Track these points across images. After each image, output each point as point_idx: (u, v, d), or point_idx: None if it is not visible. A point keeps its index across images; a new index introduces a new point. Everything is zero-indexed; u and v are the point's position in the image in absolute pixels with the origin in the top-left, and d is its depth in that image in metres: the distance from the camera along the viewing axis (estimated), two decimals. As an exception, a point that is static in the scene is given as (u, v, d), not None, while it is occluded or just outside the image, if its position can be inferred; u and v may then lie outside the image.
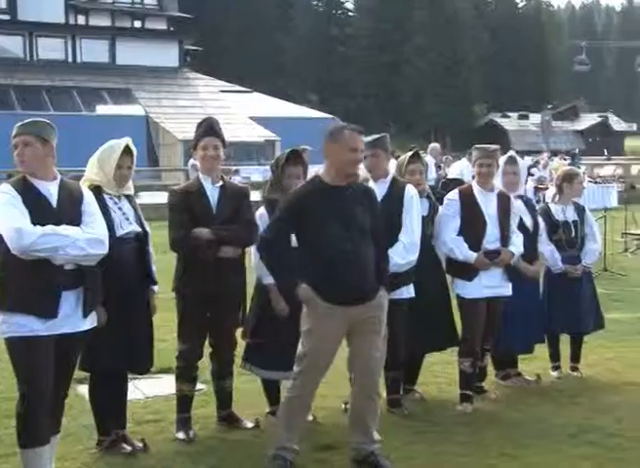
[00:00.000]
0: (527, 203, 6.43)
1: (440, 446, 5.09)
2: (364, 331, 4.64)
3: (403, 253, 5.36)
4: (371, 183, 5.47)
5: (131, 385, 5.29)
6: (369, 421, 4.72)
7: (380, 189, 5.40)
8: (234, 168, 20.09)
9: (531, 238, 6.20)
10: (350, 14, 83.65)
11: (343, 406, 5.59)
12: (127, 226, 4.79)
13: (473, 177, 6.12)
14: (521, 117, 67.05)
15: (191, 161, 21.41)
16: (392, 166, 6.16)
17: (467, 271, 5.71)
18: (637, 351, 7.44)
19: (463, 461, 4.84)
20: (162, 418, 5.54)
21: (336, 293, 4.53)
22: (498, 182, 5.98)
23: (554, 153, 32.97)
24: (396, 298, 5.35)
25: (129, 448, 4.91)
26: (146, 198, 18.31)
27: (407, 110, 69.21)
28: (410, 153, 5.99)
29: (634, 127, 74.41)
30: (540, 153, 30.76)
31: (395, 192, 5.50)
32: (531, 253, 6.16)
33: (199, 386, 5.63)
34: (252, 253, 5.39)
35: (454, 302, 5.96)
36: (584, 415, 5.66)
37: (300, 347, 4.68)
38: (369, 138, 5.48)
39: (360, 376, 4.73)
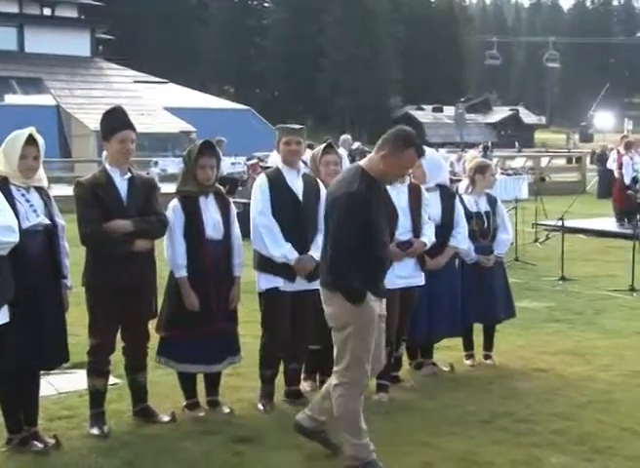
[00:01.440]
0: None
1: (356, 435, 5.12)
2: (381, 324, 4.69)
3: None
4: (288, 171, 5.49)
5: (43, 381, 5.18)
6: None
7: (297, 179, 5.49)
8: (154, 160, 19.82)
9: (442, 229, 6.27)
10: (266, 4, 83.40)
11: None
12: (33, 219, 4.66)
13: None
14: (435, 110, 68.13)
15: (105, 152, 21.01)
16: (307, 157, 6.21)
17: None
18: (546, 339, 7.65)
19: (379, 449, 4.87)
20: (75, 414, 5.44)
21: (382, 290, 4.64)
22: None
23: (470, 145, 33.58)
24: (303, 289, 5.44)
25: (40, 446, 4.80)
26: (58, 190, 17.86)
27: (323, 102, 69.49)
28: (324, 144, 6.01)
29: (543, 120, 76.45)
30: (453, 145, 31.26)
31: (314, 185, 5.57)
32: (442, 243, 6.25)
33: (113, 380, 5.56)
34: (164, 246, 5.33)
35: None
36: (496, 402, 5.79)
37: (346, 353, 4.47)
38: (292, 126, 5.63)
39: (376, 365, 4.71)
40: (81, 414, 5.37)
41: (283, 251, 5.35)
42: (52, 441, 4.87)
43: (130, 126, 5.17)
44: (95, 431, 5.09)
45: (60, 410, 5.52)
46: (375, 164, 4.52)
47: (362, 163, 4.62)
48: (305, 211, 5.45)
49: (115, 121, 5.16)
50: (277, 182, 5.45)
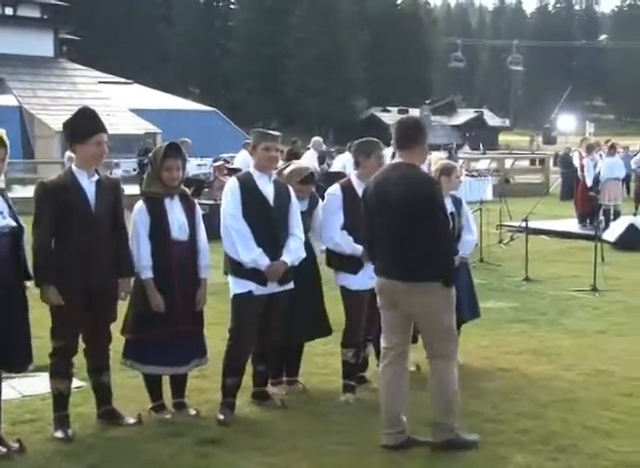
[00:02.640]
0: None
1: (322, 436, 5.13)
2: None
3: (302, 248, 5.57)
4: (260, 176, 5.48)
5: (5, 385, 5.11)
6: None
7: (268, 184, 5.49)
8: (114, 161, 19.68)
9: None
10: (232, 6, 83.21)
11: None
12: (1, 221, 4.62)
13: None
14: (401, 112, 68.17)
15: (68, 153, 20.79)
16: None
17: (353, 264, 5.77)
18: (510, 339, 7.72)
19: (345, 450, 4.91)
20: (39, 418, 5.39)
21: None
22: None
23: (436, 148, 33.75)
24: (274, 292, 5.43)
25: (4, 450, 4.73)
26: (21, 192, 17.73)
27: (289, 104, 69.54)
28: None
29: (507, 122, 77.12)
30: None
31: (285, 190, 5.58)
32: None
33: (77, 383, 5.51)
34: (133, 248, 5.29)
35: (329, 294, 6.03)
36: (463, 402, 5.79)
37: (449, 332, 4.94)
38: (272, 132, 5.65)
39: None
40: (45, 418, 5.32)
41: (253, 255, 5.31)
42: (15, 445, 4.81)
43: (105, 128, 5.16)
44: (59, 434, 5.04)
45: (24, 414, 5.46)
46: (417, 158, 5.02)
47: (402, 160, 4.97)
48: (276, 215, 5.43)
49: (91, 123, 5.11)
50: (248, 186, 5.41)
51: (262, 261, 5.32)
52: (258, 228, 5.33)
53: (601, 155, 17.43)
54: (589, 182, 16.59)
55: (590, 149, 17.21)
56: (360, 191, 5.82)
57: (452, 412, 4.91)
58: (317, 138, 18.44)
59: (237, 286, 5.43)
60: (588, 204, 16.61)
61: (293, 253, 5.46)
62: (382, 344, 5.07)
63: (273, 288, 5.44)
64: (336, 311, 6.06)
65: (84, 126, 5.09)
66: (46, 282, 4.91)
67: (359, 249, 5.71)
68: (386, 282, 4.93)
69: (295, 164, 6.18)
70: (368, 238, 5.16)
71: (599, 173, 16.48)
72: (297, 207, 5.61)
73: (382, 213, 4.90)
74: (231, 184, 5.48)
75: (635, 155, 22.47)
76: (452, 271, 4.95)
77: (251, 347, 5.52)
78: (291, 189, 5.62)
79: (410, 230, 4.78)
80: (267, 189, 5.46)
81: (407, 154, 4.95)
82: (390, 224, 4.86)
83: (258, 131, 5.69)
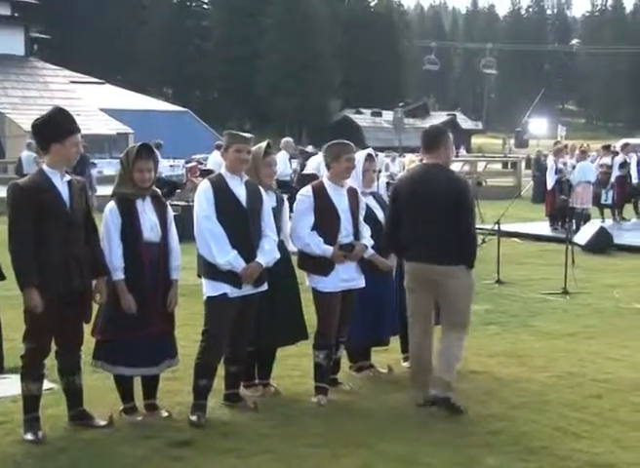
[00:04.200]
0: (378, 198, 6.57)
1: (295, 439, 5.13)
2: None
3: (276, 248, 5.58)
4: (232, 177, 5.46)
5: (-25, 387, 5.07)
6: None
7: (240, 186, 5.46)
8: (91, 160, 19.54)
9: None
10: (205, 6, 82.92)
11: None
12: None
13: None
14: (374, 114, 68.59)
15: (31, 153, 20.53)
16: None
17: (323, 266, 5.77)
18: (482, 341, 7.75)
19: (318, 452, 4.91)
20: (9, 420, 5.33)
21: None
22: (352, 179, 6.07)
23: (411, 150, 33.89)
24: (249, 293, 5.42)
25: (-27, 453, 4.70)
26: (-9, 191, 17.53)
27: (262, 105, 69.42)
28: (264, 144, 5.95)
29: (480, 125, 77.53)
30: (391, 149, 31.58)
31: (257, 191, 5.56)
32: (384, 246, 6.31)
33: (48, 385, 5.46)
34: (105, 249, 5.25)
35: (304, 295, 6.03)
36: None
37: (469, 309, 5.82)
38: (243, 134, 5.62)
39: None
40: (15, 420, 5.27)
41: (228, 258, 5.29)
42: (-16, 447, 4.77)
43: (79, 129, 5.14)
44: (29, 437, 5.00)
45: (-7, 416, 5.41)
46: (443, 159, 5.74)
47: (436, 160, 5.70)
48: (249, 216, 5.41)
49: (68, 123, 5.08)
50: (221, 188, 5.39)
51: (238, 263, 5.30)
52: (231, 230, 5.32)
53: (565, 161, 17.60)
54: (550, 185, 16.83)
55: (558, 153, 17.45)
56: (332, 194, 5.84)
57: (451, 373, 5.66)
58: (288, 139, 18.39)
59: (211, 288, 5.40)
60: (558, 206, 16.76)
61: (267, 254, 5.46)
62: (411, 319, 5.89)
63: (248, 290, 5.42)
64: (308, 312, 6.06)
65: (61, 126, 5.05)
66: (29, 285, 4.85)
67: (329, 250, 5.73)
68: (421, 266, 5.66)
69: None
70: (391, 230, 5.89)
71: (566, 174, 16.74)
72: (269, 208, 5.61)
73: (421, 205, 5.63)
74: (204, 186, 5.45)
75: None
76: (475, 257, 5.74)
77: (223, 349, 5.50)
78: (262, 190, 5.61)
79: (447, 220, 5.55)
80: (239, 191, 5.44)
81: (435, 156, 5.74)
82: (429, 215, 5.60)
83: (230, 132, 5.67)
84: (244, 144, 5.48)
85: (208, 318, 5.47)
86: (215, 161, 16.33)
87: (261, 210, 5.51)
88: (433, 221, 5.59)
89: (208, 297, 5.44)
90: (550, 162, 17.35)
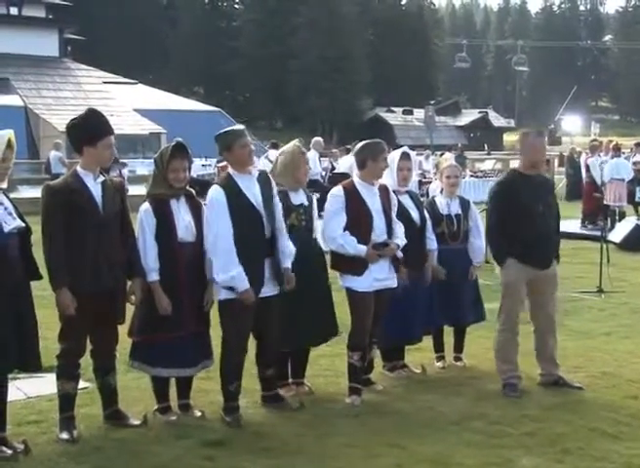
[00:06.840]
0: (414, 197, 6.52)
1: (327, 438, 5.13)
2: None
3: (290, 243, 5.54)
4: (241, 177, 5.39)
5: (11, 385, 5.10)
6: (554, 353, 6.25)
7: (251, 183, 5.40)
8: (121, 160, 19.72)
9: (419, 232, 6.31)
10: (236, 6, 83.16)
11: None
12: (12, 222, 4.65)
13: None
14: (405, 112, 68.38)
15: (57, 153, 20.78)
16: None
17: (357, 266, 5.71)
18: (517, 340, 7.68)
19: (350, 452, 4.90)
20: (45, 419, 5.38)
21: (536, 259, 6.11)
22: (385, 177, 6.03)
23: (442, 148, 33.79)
24: (269, 295, 5.37)
25: (9, 452, 4.73)
26: (26, 192, 17.76)
27: (293, 104, 69.49)
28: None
29: (512, 123, 77.00)
30: (423, 147, 31.51)
31: (268, 183, 5.49)
32: (418, 246, 6.27)
33: (83, 384, 5.50)
34: (140, 250, 5.26)
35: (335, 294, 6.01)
36: (467, 404, 5.82)
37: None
38: (238, 128, 5.58)
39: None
40: (50, 419, 5.31)
41: (232, 273, 5.15)
42: (21, 446, 4.81)
43: (113, 130, 5.16)
44: (64, 436, 5.04)
45: (29, 415, 5.46)
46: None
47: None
48: (265, 216, 5.30)
49: (103, 125, 5.11)
50: (233, 193, 5.26)
51: (240, 282, 5.18)
52: (246, 232, 5.21)
53: (600, 155, 17.45)
54: (599, 180, 16.39)
55: (594, 150, 17.33)
56: (364, 193, 5.79)
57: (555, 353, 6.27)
58: (318, 139, 18.37)
59: (224, 291, 5.30)
60: (595, 204, 16.58)
61: (289, 255, 5.43)
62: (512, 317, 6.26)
63: (268, 290, 5.38)
64: (341, 312, 6.05)
65: (95, 128, 5.07)
66: (61, 285, 4.89)
67: (363, 249, 5.68)
68: (543, 272, 6.11)
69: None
70: (510, 236, 6.09)
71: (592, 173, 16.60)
72: (278, 199, 5.50)
73: (542, 209, 6.02)
74: (215, 194, 5.29)
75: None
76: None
77: (245, 350, 5.44)
78: (272, 179, 5.52)
79: (557, 223, 6.27)
80: (252, 190, 5.32)
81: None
82: (550, 219, 6.14)
83: (224, 131, 5.46)
84: (246, 138, 5.42)
85: (226, 322, 5.36)
86: (265, 163, 16.18)
87: (274, 202, 5.40)
88: (553, 224, 6.24)
89: (224, 300, 5.32)
90: (590, 159, 17.21)
